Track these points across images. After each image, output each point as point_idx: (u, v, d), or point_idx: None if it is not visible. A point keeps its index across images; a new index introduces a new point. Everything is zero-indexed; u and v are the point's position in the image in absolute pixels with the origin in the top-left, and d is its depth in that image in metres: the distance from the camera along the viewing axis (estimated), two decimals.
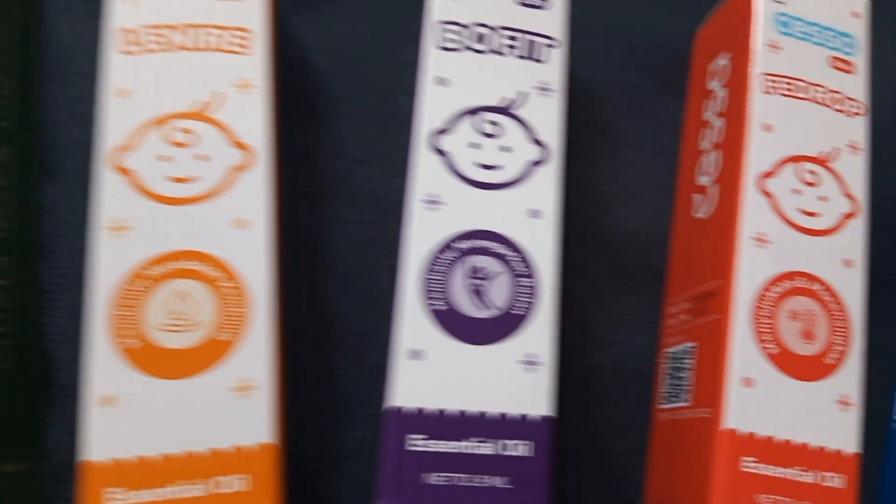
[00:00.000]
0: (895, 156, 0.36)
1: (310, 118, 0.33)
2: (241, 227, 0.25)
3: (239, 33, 0.27)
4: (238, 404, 0.24)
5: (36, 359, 0.28)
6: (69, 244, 0.30)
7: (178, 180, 0.25)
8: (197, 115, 0.26)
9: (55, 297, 0.29)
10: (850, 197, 0.29)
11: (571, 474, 0.31)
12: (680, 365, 0.30)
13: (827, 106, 0.30)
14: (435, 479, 0.24)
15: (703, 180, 0.32)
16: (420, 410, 0.24)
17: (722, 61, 0.32)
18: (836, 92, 0.30)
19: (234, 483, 0.23)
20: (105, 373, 0.24)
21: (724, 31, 0.33)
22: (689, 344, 0.29)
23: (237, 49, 0.26)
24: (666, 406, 0.30)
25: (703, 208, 0.31)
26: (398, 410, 0.24)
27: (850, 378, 0.27)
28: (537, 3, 0.28)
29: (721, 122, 0.31)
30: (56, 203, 0.30)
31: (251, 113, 0.26)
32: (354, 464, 0.29)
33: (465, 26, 0.28)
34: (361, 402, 0.30)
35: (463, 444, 0.24)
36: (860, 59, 0.31)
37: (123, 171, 0.25)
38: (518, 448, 0.24)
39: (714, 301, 0.28)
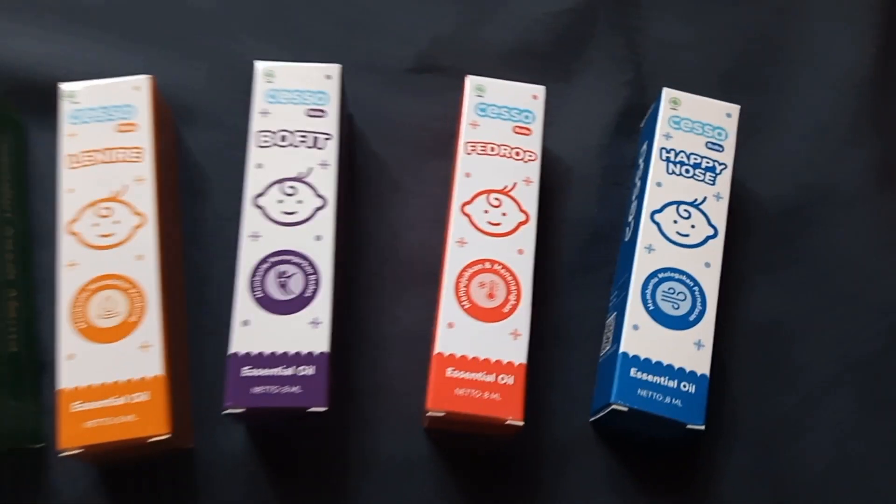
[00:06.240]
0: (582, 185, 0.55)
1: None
2: None
3: None
4: None
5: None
6: None
7: None
8: None
9: None
10: (523, 212, 0.47)
11: (368, 403, 0.49)
12: None
13: (510, 157, 0.49)
14: (258, 390, 0.42)
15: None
16: (248, 353, 0.42)
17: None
18: (518, 148, 0.49)
19: None
20: None
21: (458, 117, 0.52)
22: None
23: None
24: None
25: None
26: (236, 354, 0.42)
27: (519, 320, 0.45)
28: (318, 114, 0.47)
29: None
30: None
31: None
32: None
33: (272, 132, 0.47)
34: None
35: (274, 370, 0.42)
36: (536, 126, 0.50)
37: None
38: (305, 370, 0.42)
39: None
